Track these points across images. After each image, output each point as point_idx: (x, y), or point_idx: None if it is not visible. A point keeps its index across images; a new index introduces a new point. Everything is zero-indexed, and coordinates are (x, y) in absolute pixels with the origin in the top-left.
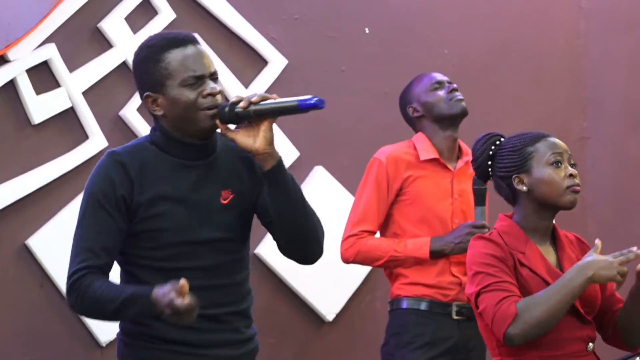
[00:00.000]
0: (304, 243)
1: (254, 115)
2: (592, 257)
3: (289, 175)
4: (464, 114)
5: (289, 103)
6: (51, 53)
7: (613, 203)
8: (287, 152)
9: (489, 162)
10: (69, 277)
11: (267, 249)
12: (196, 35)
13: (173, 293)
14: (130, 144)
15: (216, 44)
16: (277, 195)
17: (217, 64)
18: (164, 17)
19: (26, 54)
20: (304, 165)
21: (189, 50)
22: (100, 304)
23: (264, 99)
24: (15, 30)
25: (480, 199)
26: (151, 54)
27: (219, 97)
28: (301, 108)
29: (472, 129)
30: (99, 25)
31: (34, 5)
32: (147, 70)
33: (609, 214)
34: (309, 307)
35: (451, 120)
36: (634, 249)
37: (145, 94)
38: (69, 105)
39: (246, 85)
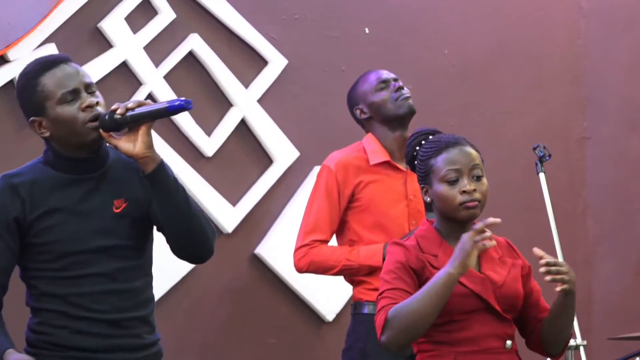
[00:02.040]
0: (190, 242)
1: (130, 121)
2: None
3: (171, 176)
4: (411, 112)
5: (159, 106)
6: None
7: (613, 203)
8: (287, 152)
9: (415, 163)
10: None
11: (267, 249)
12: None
13: None
14: (24, 165)
15: (216, 44)
16: (160, 197)
17: (217, 64)
18: (164, 17)
19: (26, 54)
20: (304, 165)
21: (61, 69)
22: None
23: (140, 104)
24: (15, 30)
25: (429, 206)
26: (27, 81)
27: (98, 107)
28: (169, 110)
29: (472, 129)
30: (99, 25)
31: (34, 5)
32: (27, 97)
33: (609, 214)
34: (309, 307)
35: (399, 121)
36: (489, 220)
37: (31, 119)
38: None
39: (246, 85)
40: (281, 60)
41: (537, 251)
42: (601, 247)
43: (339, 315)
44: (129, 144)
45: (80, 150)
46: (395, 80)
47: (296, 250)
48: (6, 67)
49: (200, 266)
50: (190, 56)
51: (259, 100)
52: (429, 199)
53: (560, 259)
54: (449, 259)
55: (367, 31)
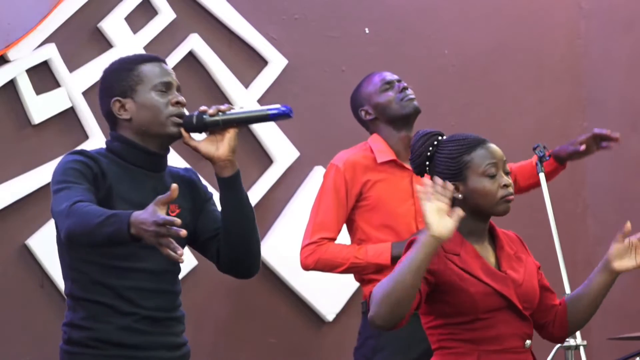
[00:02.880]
0: (246, 257)
1: (221, 124)
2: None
3: (244, 189)
4: (416, 112)
5: (259, 112)
6: (51, 53)
7: (613, 203)
8: (287, 152)
9: (427, 163)
10: (64, 207)
11: (267, 249)
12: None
13: (158, 214)
14: (91, 150)
15: (216, 44)
16: (231, 203)
17: (217, 64)
18: (164, 17)
19: (26, 54)
20: (304, 165)
21: (160, 64)
22: (88, 217)
23: (231, 108)
24: (15, 30)
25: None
26: (123, 64)
27: (184, 109)
28: (271, 117)
29: (472, 129)
30: (99, 25)
31: (34, 5)
32: (118, 78)
33: (609, 214)
34: (309, 307)
35: (404, 121)
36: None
37: (114, 99)
38: (69, 105)
39: (246, 85)
40: (281, 60)
41: (628, 226)
42: (601, 247)
43: (339, 315)
44: (211, 146)
45: (154, 141)
46: (399, 81)
47: (303, 247)
48: (6, 67)
49: (201, 266)
50: (190, 56)
51: (259, 100)
52: (460, 196)
53: (560, 259)
54: (470, 258)
55: (367, 31)
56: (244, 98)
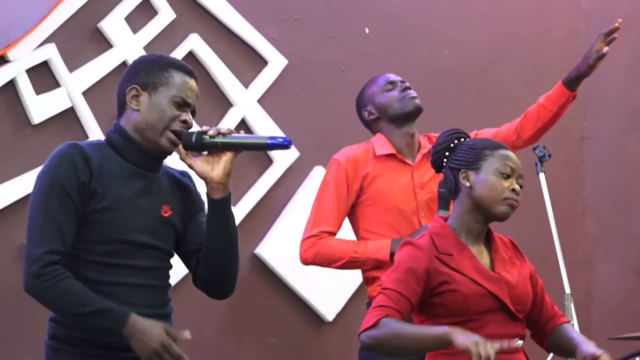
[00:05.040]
0: (223, 278)
1: (220, 147)
2: (472, 334)
3: (232, 212)
4: (418, 110)
5: (259, 140)
6: (51, 53)
7: (613, 203)
8: (287, 152)
9: (447, 153)
10: (38, 258)
11: (267, 249)
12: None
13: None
14: (89, 142)
15: (216, 44)
16: (217, 226)
17: (217, 64)
18: (164, 17)
19: (26, 54)
20: (304, 165)
21: (192, 82)
22: (70, 301)
23: (232, 132)
24: (15, 30)
25: (443, 202)
26: (161, 61)
27: (188, 129)
28: (270, 146)
29: (472, 129)
30: (99, 25)
31: (34, 5)
32: (148, 69)
33: (609, 214)
34: (309, 307)
35: (406, 118)
36: (520, 342)
37: (133, 86)
38: (69, 105)
39: (246, 86)
40: (281, 60)
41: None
42: (601, 247)
43: (339, 315)
44: (207, 166)
45: (147, 145)
46: (402, 81)
47: (303, 240)
48: (6, 67)
49: None
50: (190, 56)
51: (259, 100)
52: (468, 184)
53: (560, 259)
54: (464, 258)
55: (367, 31)
56: (244, 98)
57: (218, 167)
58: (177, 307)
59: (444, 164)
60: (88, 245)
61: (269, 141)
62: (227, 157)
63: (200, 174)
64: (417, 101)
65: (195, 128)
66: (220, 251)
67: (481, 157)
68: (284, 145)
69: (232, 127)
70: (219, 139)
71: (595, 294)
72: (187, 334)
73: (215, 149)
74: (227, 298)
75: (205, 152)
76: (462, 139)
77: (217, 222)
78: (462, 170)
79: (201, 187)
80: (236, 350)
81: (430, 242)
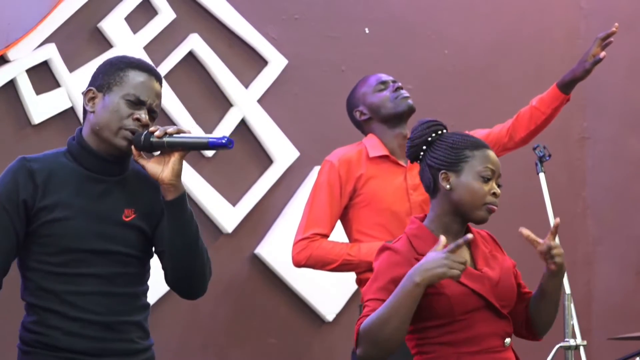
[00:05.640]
0: (189, 278)
1: (166, 146)
2: (424, 258)
3: (188, 210)
4: (410, 110)
5: (200, 140)
6: (51, 53)
7: (613, 203)
8: (287, 152)
9: (424, 147)
10: None
11: (267, 249)
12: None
13: None
14: (45, 152)
15: (216, 44)
16: (173, 227)
17: (217, 64)
18: (164, 17)
19: (26, 54)
20: (304, 165)
21: (150, 80)
22: None
23: (180, 132)
24: (15, 30)
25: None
26: (118, 61)
27: (143, 129)
28: (210, 145)
29: (472, 129)
30: (99, 25)
31: (34, 5)
32: (106, 71)
33: (609, 214)
34: (309, 307)
35: (398, 119)
36: (470, 235)
37: (89, 88)
38: (69, 105)
39: (246, 86)
40: (281, 60)
41: (524, 231)
42: (601, 247)
43: (339, 315)
44: (157, 167)
45: (103, 146)
46: (394, 81)
47: (295, 243)
48: (6, 67)
49: None
50: (190, 56)
51: (259, 100)
52: (448, 187)
53: None
54: None
55: (367, 31)
56: (244, 98)
57: (167, 167)
58: (177, 307)
59: (421, 157)
60: (45, 257)
61: (209, 140)
62: (175, 157)
63: (152, 174)
64: (410, 101)
65: (194, 127)
66: (180, 251)
67: (462, 158)
68: (224, 145)
69: (232, 127)
70: (165, 139)
71: (595, 294)
72: None
73: (162, 149)
74: (198, 298)
75: (158, 153)
76: (440, 132)
77: (174, 223)
78: (442, 171)
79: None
80: (236, 350)
81: (408, 244)
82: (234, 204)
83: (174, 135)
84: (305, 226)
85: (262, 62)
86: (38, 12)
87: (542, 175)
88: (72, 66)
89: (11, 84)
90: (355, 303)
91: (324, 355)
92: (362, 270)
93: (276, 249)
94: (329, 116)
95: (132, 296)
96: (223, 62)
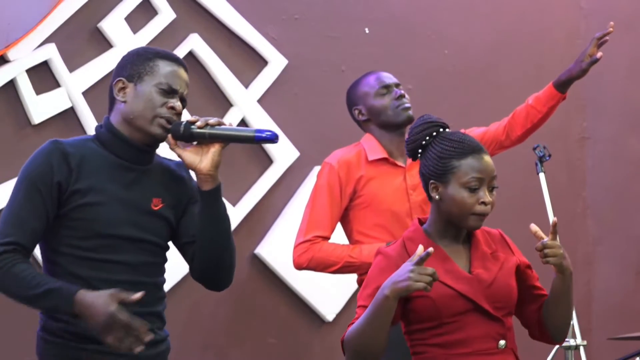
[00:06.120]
0: (217, 270)
1: (207, 137)
2: (397, 270)
3: (223, 203)
4: (410, 122)
5: (246, 133)
6: (51, 53)
7: (613, 203)
8: (287, 152)
9: (420, 151)
10: None
11: (267, 249)
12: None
13: (115, 306)
14: (74, 139)
15: (216, 44)
16: (207, 217)
17: (217, 64)
18: (164, 17)
19: (26, 54)
20: (304, 165)
21: (180, 70)
22: (22, 284)
23: (220, 123)
24: (15, 30)
25: None
26: (145, 52)
27: (177, 117)
28: (257, 139)
29: (471, 129)
30: (99, 25)
31: (34, 5)
32: (133, 61)
33: (609, 214)
34: (309, 307)
35: (397, 127)
36: (430, 249)
37: (119, 78)
38: (69, 105)
39: (246, 86)
40: (281, 60)
41: (533, 227)
42: (601, 247)
43: (339, 315)
44: (195, 157)
45: (138, 135)
46: (397, 85)
47: (297, 246)
48: (6, 67)
49: None
50: (190, 56)
51: (259, 100)
52: (437, 197)
53: None
54: (434, 261)
55: (367, 31)
56: (244, 98)
57: (206, 158)
58: (177, 307)
59: (419, 156)
60: (76, 242)
61: (256, 134)
62: (215, 148)
63: (189, 164)
64: (410, 112)
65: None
66: (212, 242)
67: (448, 169)
68: (270, 140)
69: None
70: (207, 130)
71: (595, 294)
72: (137, 295)
73: (203, 139)
74: (224, 290)
75: (195, 143)
76: (435, 134)
77: (208, 213)
78: (432, 181)
79: None
80: (236, 350)
81: (401, 248)
82: (234, 204)
83: (216, 127)
84: (306, 229)
85: (262, 62)
86: (38, 12)
87: (542, 175)
88: (72, 66)
89: (11, 84)
90: (355, 303)
91: (324, 355)
92: (364, 272)
93: (276, 249)
94: (329, 116)
95: (157, 286)
96: (223, 62)
